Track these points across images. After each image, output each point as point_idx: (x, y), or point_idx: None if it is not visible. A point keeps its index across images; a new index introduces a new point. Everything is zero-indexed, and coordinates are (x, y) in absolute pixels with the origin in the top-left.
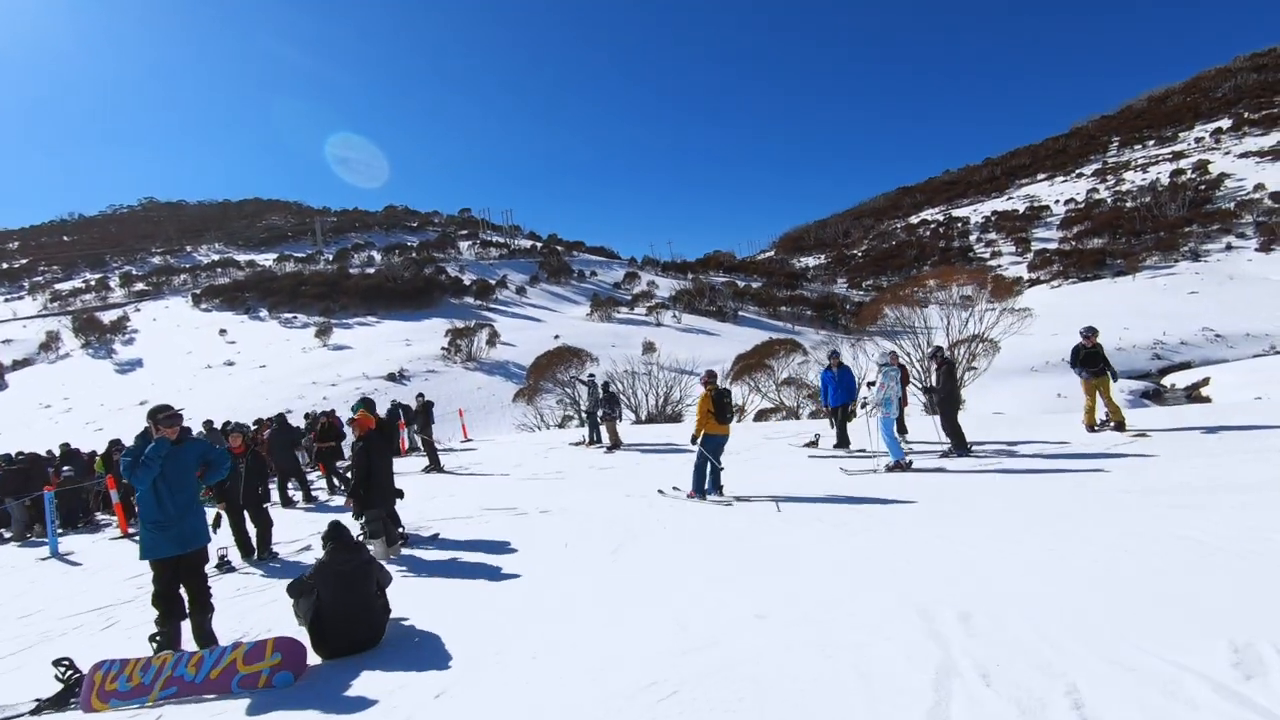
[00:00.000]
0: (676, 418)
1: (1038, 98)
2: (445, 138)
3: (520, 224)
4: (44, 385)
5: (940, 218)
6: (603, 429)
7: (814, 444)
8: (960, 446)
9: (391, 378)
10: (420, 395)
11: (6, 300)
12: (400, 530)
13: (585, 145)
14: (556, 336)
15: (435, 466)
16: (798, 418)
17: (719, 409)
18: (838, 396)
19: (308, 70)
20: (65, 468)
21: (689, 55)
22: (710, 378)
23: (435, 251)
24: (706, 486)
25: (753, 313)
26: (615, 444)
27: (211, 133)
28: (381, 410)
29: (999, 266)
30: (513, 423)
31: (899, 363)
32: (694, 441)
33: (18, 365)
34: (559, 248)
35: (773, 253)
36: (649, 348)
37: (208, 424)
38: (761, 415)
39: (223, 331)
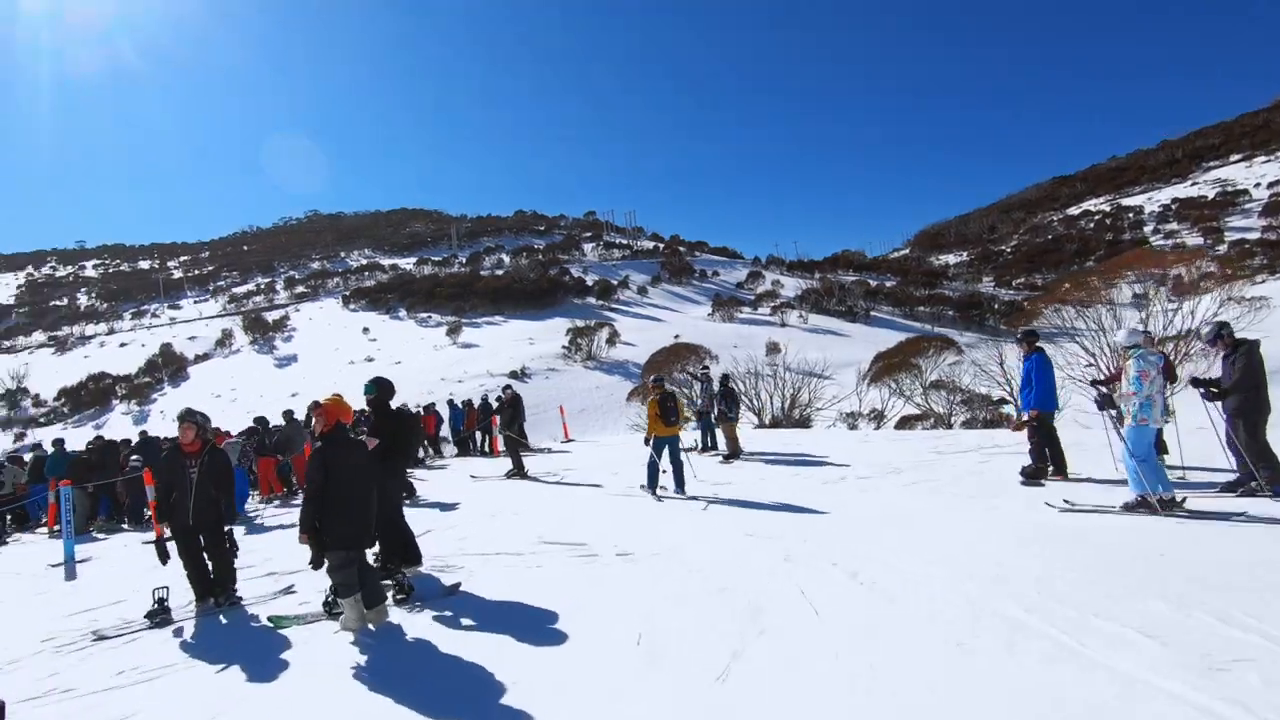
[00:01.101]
0: (805, 422)
1: (1223, 71)
2: (573, 143)
3: (643, 225)
4: (217, 378)
5: (1106, 208)
6: (718, 431)
7: (1038, 474)
8: (1278, 479)
9: (514, 375)
10: (507, 388)
11: (196, 302)
12: (400, 577)
13: (710, 146)
14: (677, 336)
15: (518, 471)
16: (949, 426)
17: (664, 412)
18: (1035, 398)
19: (445, 89)
20: (134, 457)
21: (815, 57)
22: (657, 383)
23: (560, 253)
24: (675, 485)
25: (886, 312)
26: (734, 451)
27: (369, 150)
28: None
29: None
30: (627, 423)
31: (1156, 346)
32: (646, 443)
33: (199, 359)
34: (681, 248)
35: (908, 250)
36: (773, 348)
37: (287, 414)
38: (904, 422)
39: (365, 330)
